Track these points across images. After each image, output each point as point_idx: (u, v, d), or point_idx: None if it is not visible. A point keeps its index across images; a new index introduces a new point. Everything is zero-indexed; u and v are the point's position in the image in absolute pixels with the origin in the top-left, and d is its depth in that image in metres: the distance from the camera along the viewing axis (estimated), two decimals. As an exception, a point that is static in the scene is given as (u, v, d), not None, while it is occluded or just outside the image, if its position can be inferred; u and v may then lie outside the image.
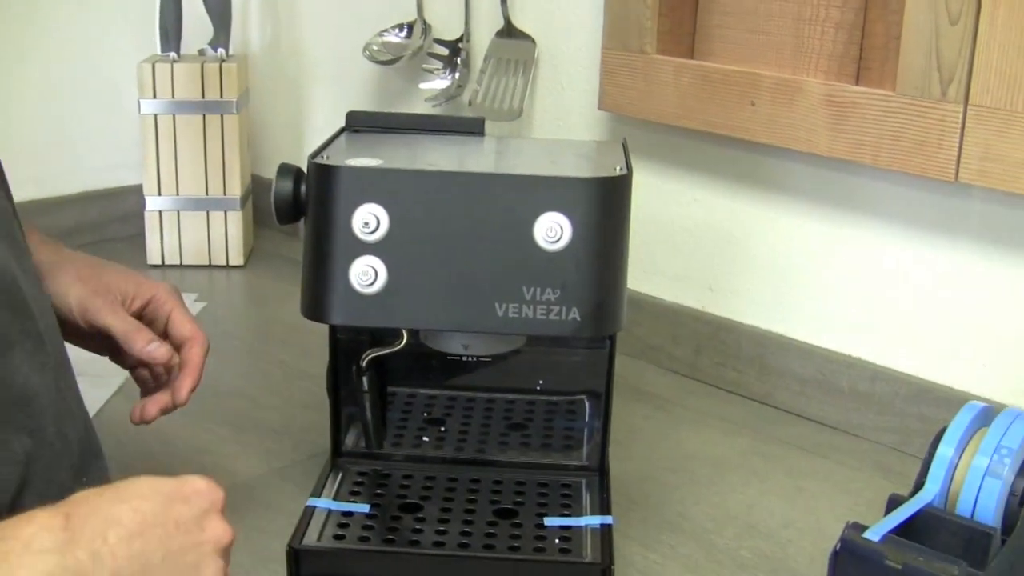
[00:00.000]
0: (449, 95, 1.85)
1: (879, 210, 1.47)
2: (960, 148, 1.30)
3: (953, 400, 1.27)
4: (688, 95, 1.54)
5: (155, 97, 2.04)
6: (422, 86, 1.88)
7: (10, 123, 2.13)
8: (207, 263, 2.13)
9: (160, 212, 2.10)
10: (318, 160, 1.08)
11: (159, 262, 2.12)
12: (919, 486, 1.13)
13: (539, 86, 1.80)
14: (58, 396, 0.98)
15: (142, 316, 1.20)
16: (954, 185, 1.35)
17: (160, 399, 1.18)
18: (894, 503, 1.12)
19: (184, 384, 1.18)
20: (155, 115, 2.05)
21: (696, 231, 1.67)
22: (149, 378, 1.23)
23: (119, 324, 1.16)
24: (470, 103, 1.79)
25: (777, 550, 1.26)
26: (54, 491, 0.93)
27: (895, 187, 1.44)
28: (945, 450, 1.12)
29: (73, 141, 2.23)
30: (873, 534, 1.05)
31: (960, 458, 1.12)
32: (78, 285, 1.16)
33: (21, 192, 2.03)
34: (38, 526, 0.77)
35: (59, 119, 2.21)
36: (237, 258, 2.13)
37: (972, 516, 1.10)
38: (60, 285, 1.16)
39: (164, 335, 1.20)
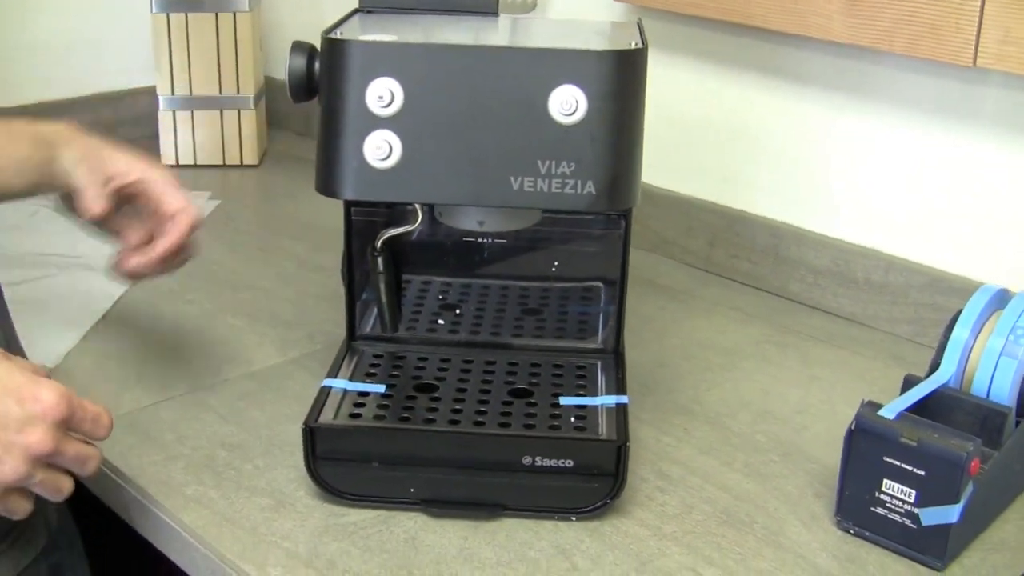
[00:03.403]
0: (463, -11, 1.83)
1: (895, 98, 1.46)
2: (979, 32, 1.28)
3: (968, 289, 1.25)
4: None
5: None
6: (433, -21, 1.86)
7: (22, 26, 2.12)
8: (221, 163, 2.13)
9: (173, 112, 2.09)
10: (331, 36, 1.07)
11: (173, 162, 2.11)
12: (935, 367, 1.14)
13: None
14: None
15: (136, 196, 1.21)
16: (972, 70, 1.33)
17: (135, 257, 1.20)
18: (909, 383, 1.13)
19: (161, 242, 1.19)
20: (167, 14, 2.04)
21: (710, 122, 1.66)
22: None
23: (81, 181, 1.19)
24: None
25: (792, 434, 1.26)
26: None
27: (912, 74, 1.43)
28: (960, 332, 1.13)
29: (86, 43, 2.21)
30: (888, 412, 1.06)
31: (975, 340, 1.13)
32: (77, 155, 1.19)
33: (34, 94, 2.06)
34: None
35: (71, 20, 2.19)
36: (251, 157, 2.13)
37: (987, 396, 1.11)
38: (64, 159, 1.18)
39: (156, 213, 1.21)
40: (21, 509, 0.98)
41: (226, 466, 1.17)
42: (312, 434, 1.10)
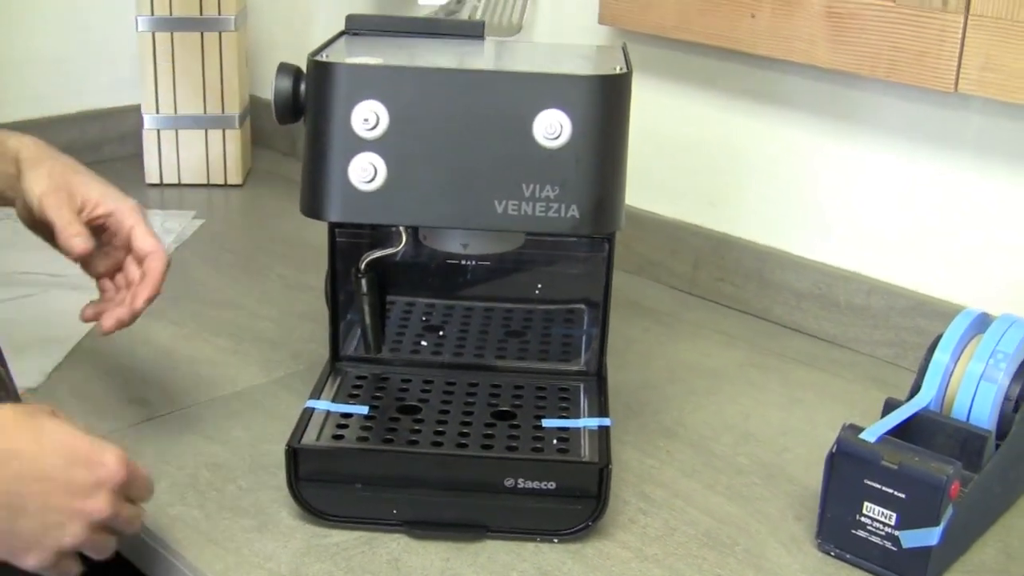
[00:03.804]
0: (449, 11, 1.83)
1: (878, 123, 1.47)
2: (960, 58, 1.30)
3: (949, 313, 1.26)
4: (688, 7, 1.53)
5: (152, 14, 2.03)
6: (421, 2, 1.86)
7: (9, 43, 2.12)
8: (205, 182, 2.12)
9: (158, 131, 2.09)
10: (318, 58, 1.08)
11: (157, 181, 2.11)
12: (915, 391, 1.15)
13: (539, 1, 1.80)
14: None
15: (105, 228, 1.20)
16: (953, 96, 1.34)
17: (117, 312, 1.17)
18: (890, 407, 1.14)
19: (141, 293, 1.18)
20: (153, 32, 2.04)
21: (695, 146, 1.67)
22: (112, 289, 1.23)
23: (58, 217, 1.16)
24: (469, 19, 1.77)
25: (774, 456, 1.27)
26: None
27: (894, 99, 1.44)
28: (941, 356, 1.14)
29: (72, 60, 2.22)
30: (869, 435, 1.07)
31: (956, 364, 1.14)
32: (45, 180, 1.17)
33: (20, 111, 2.06)
34: None
35: (57, 38, 2.19)
36: (235, 177, 2.13)
37: (967, 420, 1.12)
38: (30, 179, 1.17)
39: (126, 249, 1.21)
40: (72, 571, 0.98)
41: (209, 486, 1.17)
42: (295, 455, 1.10)
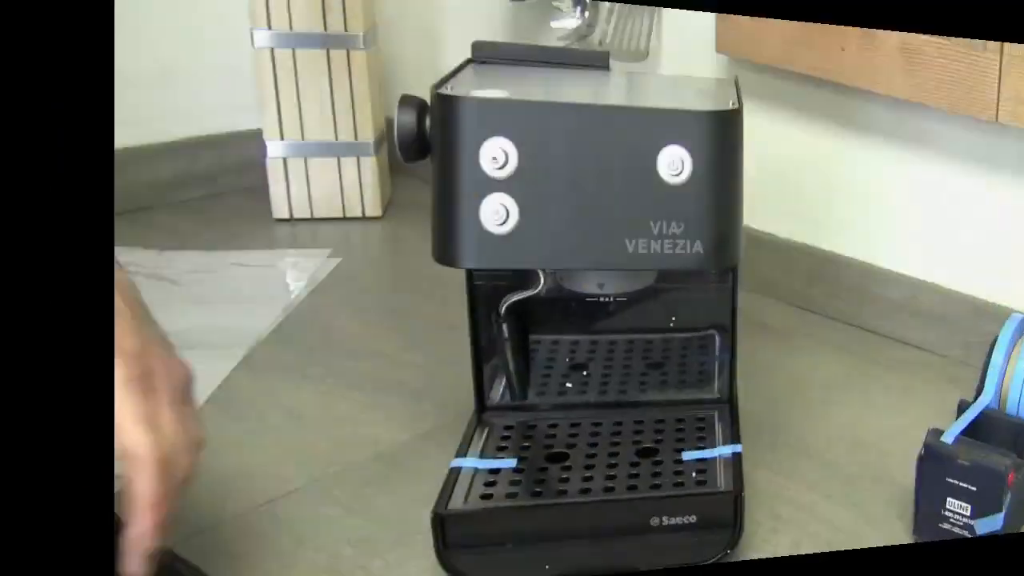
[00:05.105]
0: (581, 34, 1.81)
1: (941, 147, 1.55)
2: (999, 92, 1.38)
3: (1006, 316, 1.32)
4: (790, 39, 1.58)
5: (269, 28, 1.92)
6: (553, 24, 1.83)
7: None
8: (340, 215, 2.04)
9: (284, 159, 1.99)
10: (442, 91, 1.03)
11: (287, 215, 2.01)
12: (979, 391, 1.25)
13: (663, 28, 1.80)
14: None
15: None
16: (996, 125, 1.43)
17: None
18: (962, 408, 1.24)
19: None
20: (271, 48, 1.94)
21: (797, 169, 1.72)
22: None
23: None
24: (600, 43, 1.76)
25: (878, 460, 1.34)
26: None
27: (953, 128, 1.52)
28: (996, 357, 1.25)
29: (179, 78, 2.08)
30: (948, 437, 1.16)
31: (1007, 363, 1.25)
32: None
33: (120, 138, 1.90)
34: None
35: (161, 51, 2.06)
36: (373, 209, 2.04)
37: (1018, 414, 1.23)
38: None
39: None
40: None
41: (353, 565, 1.11)
42: (442, 522, 1.06)
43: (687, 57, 1.76)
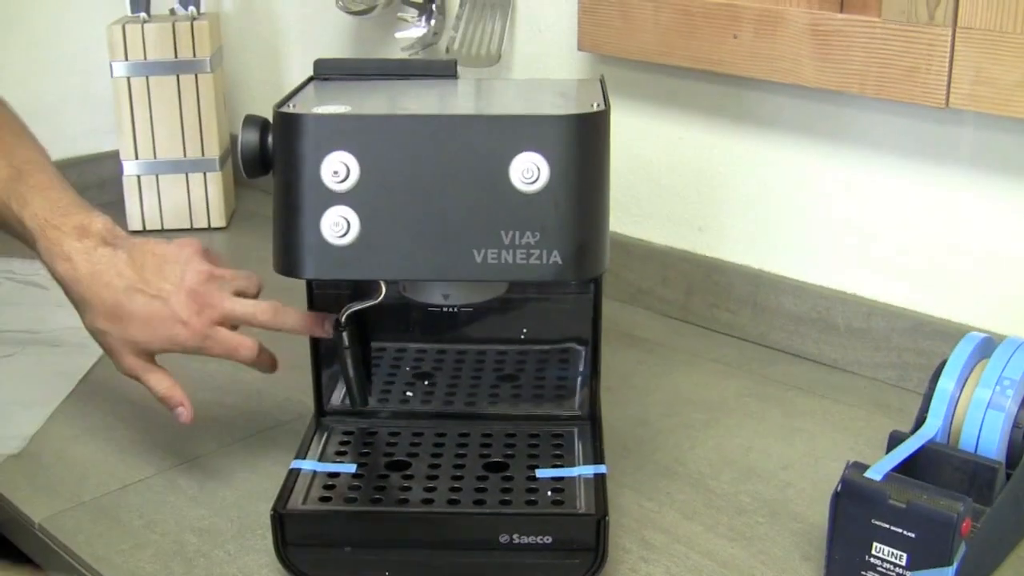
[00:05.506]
0: (426, 43, 1.81)
1: (869, 140, 1.43)
2: (950, 72, 1.27)
3: (951, 333, 1.25)
4: (669, 30, 1.50)
5: (127, 59, 2.00)
6: (398, 35, 1.83)
7: (-19, 92, 2.08)
8: (188, 226, 2.09)
9: (138, 176, 2.06)
10: (283, 109, 1.05)
11: (140, 227, 2.08)
12: (920, 422, 1.11)
13: (517, 30, 1.76)
14: None
15: None
16: (945, 111, 1.31)
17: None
18: (895, 440, 1.10)
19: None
20: (128, 77, 2.01)
21: (682, 170, 1.63)
22: None
23: (157, 387, 1.24)
24: (447, 51, 1.75)
25: (776, 493, 1.23)
26: None
27: (884, 116, 1.41)
28: (946, 384, 1.10)
29: (46, 108, 2.18)
30: (875, 473, 1.03)
31: (961, 391, 1.10)
32: (107, 326, 1.21)
33: None
34: None
35: (31, 85, 2.17)
36: (219, 220, 2.10)
37: (975, 451, 1.09)
38: (90, 323, 1.22)
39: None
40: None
41: (196, 553, 1.13)
42: (281, 520, 1.06)
43: (545, 59, 1.73)
